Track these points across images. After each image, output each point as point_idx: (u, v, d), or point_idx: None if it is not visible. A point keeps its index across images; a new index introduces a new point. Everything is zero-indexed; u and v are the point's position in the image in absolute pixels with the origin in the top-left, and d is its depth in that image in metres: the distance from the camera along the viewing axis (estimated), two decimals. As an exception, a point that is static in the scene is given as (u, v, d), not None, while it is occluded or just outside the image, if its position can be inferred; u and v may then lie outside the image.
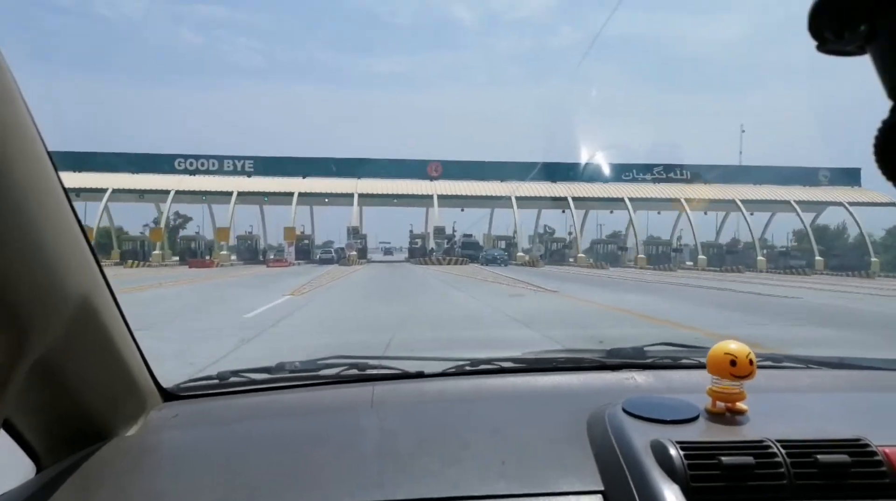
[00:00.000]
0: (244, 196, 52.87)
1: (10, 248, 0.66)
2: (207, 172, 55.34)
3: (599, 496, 0.84)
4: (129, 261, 44.33)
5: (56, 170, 0.78)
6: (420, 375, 1.37)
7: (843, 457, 0.82)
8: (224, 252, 48.83)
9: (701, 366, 1.23)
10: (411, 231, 61.93)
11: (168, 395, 1.24)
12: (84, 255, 0.86)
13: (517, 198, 53.51)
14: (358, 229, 50.30)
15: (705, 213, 56.03)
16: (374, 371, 1.39)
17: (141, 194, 51.37)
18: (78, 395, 0.95)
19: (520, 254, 51.19)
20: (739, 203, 52.62)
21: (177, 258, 51.26)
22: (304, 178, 54.89)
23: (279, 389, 1.32)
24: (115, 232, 53.68)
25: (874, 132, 0.44)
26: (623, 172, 58.30)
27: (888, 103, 0.44)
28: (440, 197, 53.55)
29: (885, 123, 0.44)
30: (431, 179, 56.70)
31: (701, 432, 0.91)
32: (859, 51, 0.45)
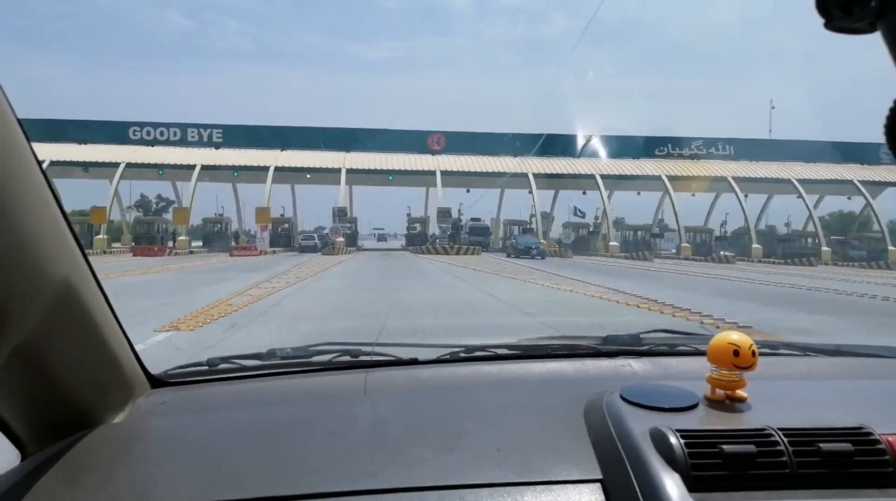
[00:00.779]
0: (210, 171, 44.33)
1: None
2: (168, 142, 46.70)
3: (598, 484, 0.82)
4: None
5: (33, 151, 0.77)
6: (414, 361, 1.34)
7: (846, 446, 0.81)
8: (182, 238, 40.26)
9: (698, 353, 1.28)
10: (409, 214, 53.50)
11: (156, 381, 1.21)
12: (64, 238, 0.85)
13: (535, 175, 45.19)
14: (346, 211, 41.86)
15: (746, 196, 47.85)
16: (367, 358, 1.36)
17: (85, 167, 42.57)
18: (63, 381, 0.93)
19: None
20: (796, 183, 44.41)
21: (129, 245, 42.52)
22: (282, 150, 46.39)
23: (270, 375, 1.29)
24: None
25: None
26: (657, 146, 50.05)
27: None
28: (444, 174, 45.20)
29: None
30: (433, 152, 48.31)
31: (700, 420, 0.90)
32: (869, 28, 0.43)
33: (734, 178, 45.44)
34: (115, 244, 41.69)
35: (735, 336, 0.95)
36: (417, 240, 48.04)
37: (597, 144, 48.57)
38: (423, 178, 48.25)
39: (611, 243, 43.32)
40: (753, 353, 0.93)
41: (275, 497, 0.82)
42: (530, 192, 51.47)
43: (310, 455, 0.92)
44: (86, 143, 44.90)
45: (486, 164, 46.63)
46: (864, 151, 46.39)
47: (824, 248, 41.69)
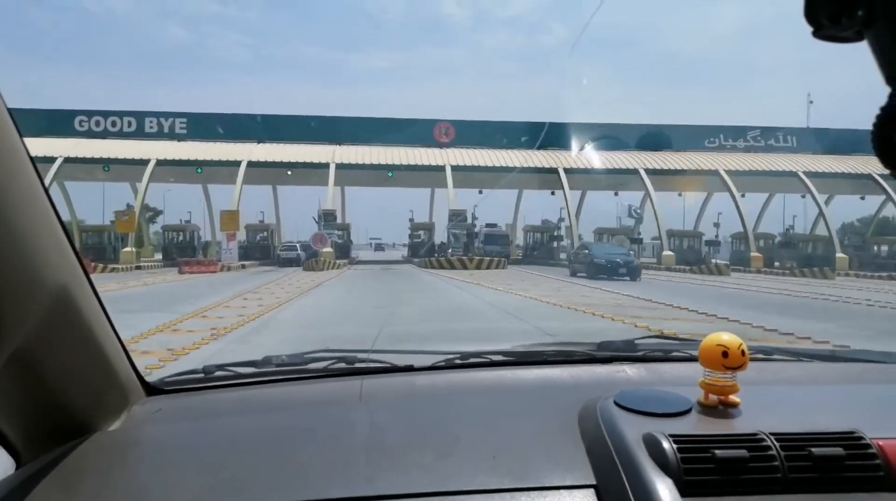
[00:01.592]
0: (169, 168, 36.22)
1: None
2: (121, 134, 38.55)
3: (591, 490, 0.83)
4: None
5: (30, 157, 0.77)
6: (409, 368, 1.34)
7: (838, 450, 0.82)
8: (128, 249, 31.90)
9: (692, 359, 1.27)
10: (412, 220, 45.28)
11: (152, 389, 1.21)
12: (61, 245, 0.85)
13: (566, 171, 37.07)
14: (334, 215, 33.62)
15: (803, 196, 39.79)
16: (363, 365, 1.37)
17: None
18: (58, 389, 0.93)
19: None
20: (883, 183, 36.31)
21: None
22: (259, 143, 38.28)
23: (265, 383, 1.30)
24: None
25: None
26: (707, 136, 42.01)
27: (886, 90, 0.42)
28: (455, 169, 37.11)
29: (883, 110, 0.43)
30: (441, 145, 40.24)
31: (693, 425, 0.91)
32: (857, 37, 0.44)
33: (805, 173, 37.36)
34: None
35: (725, 337, 0.95)
36: (422, 250, 39.85)
37: (625, 133, 40.52)
38: (428, 176, 40.12)
39: (665, 253, 35.06)
40: (743, 353, 0.93)
41: None
42: (553, 193, 43.41)
43: (307, 461, 0.92)
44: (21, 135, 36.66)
45: (504, 158, 38.46)
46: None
47: (839, 254, 33.99)
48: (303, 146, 38.56)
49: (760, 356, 1.40)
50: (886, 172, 0.44)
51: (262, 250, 40.07)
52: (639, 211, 35.82)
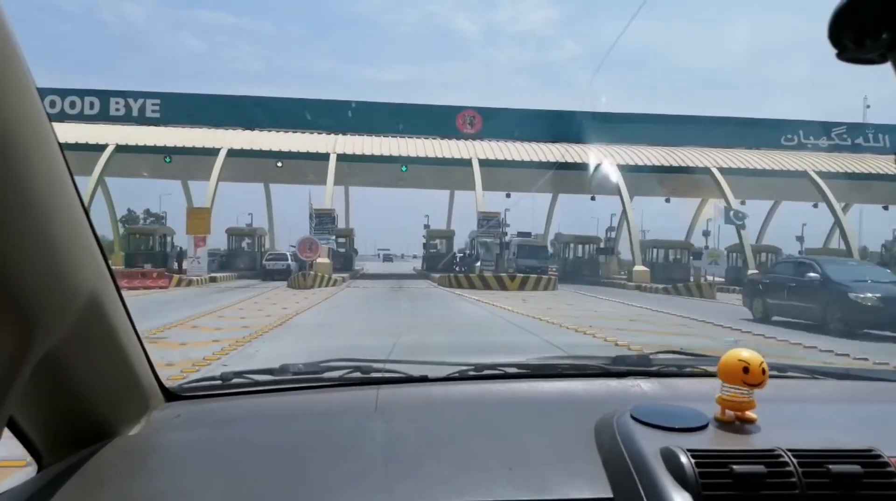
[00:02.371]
0: (130, 155, 29.37)
1: (22, 242, 0.66)
2: (82, 117, 31.79)
3: None
4: None
5: (67, 163, 0.77)
6: (424, 379, 1.35)
7: (856, 468, 0.81)
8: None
9: (706, 375, 1.30)
10: (427, 226, 38.30)
11: (171, 395, 1.22)
12: (92, 250, 0.85)
13: (625, 169, 29.99)
14: (332, 215, 26.57)
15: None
16: (378, 375, 1.37)
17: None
18: (81, 393, 0.94)
19: (639, 269, 27.51)
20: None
21: None
22: (246, 130, 31.48)
23: (282, 391, 1.31)
24: None
25: None
26: (785, 132, 34.87)
27: None
28: (483, 165, 30.14)
29: None
30: (464, 137, 33.31)
31: (710, 440, 0.91)
32: (881, 59, 0.45)
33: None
34: None
35: (745, 354, 0.94)
36: (440, 262, 32.85)
37: (690, 125, 33.45)
38: (447, 174, 33.19)
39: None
40: (763, 371, 0.93)
41: None
42: (593, 198, 36.40)
43: (324, 470, 0.92)
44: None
45: (540, 153, 31.41)
46: None
47: None
48: (298, 135, 31.70)
49: (775, 372, 1.37)
50: None
51: (246, 259, 33.20)
52: (743, 213, 28.16)
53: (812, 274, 12.38)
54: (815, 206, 33.83)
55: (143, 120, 32.49)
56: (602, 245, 34.99)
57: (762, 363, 0.94)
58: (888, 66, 0.45)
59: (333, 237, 26.26)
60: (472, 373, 1.39)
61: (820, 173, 30.54)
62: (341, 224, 40.55)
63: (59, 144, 0.76)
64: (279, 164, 29.79)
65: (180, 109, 32.55)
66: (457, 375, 1.38)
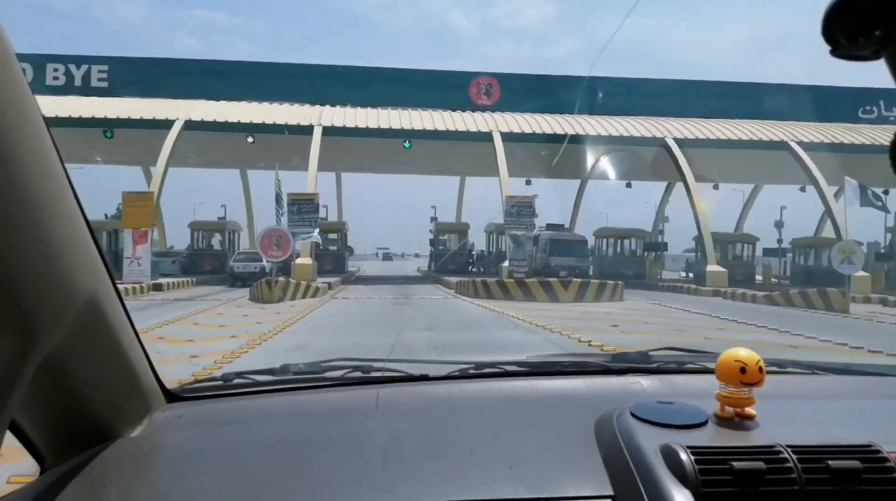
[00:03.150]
0: (63, 130, 23.25)
1: (21, 244, 0.66)
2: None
3: (609, 500, 0.84)
4: None
5: (63, 164, 0.78)
6: (425, 378, 1.36)
7: (855, 463, 0.82)
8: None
9: (706, 371, 1.30)
10: (434, 219, 32.27)
11: (172, 396, 1.23)
12: (91, 251, 0.85)
13: (684, 143, 23.97)
14: (315, 201, 20.39)
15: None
16: (379, 374, 1.38)
17: None
18: (83, 395, 0.94)
19: (715, 269, 21.48)
20: None
21: None
22: (210, 101, 25.39)
23: (284, 391, 1.32)
24: None
25: None
26: (862, 104, 28.88)
27: None
28: (506, 139, 24.12)
29: None
30: (479, 108, 27.30)
31: (710, 437, 0.91)
32: (874, 56, 0.45)
33: None
34: None
35: (742, 353, 0.95)
36: (452, 262, 26.87)
37: (752, 94, 27.50)
38: (459, 153, 27.22)
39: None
40: (760, 369, 0.93)
41: None
42: (629, 184, 30.41)
43: (326, 470, 0.92)
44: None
45: (574, 124, 25.38)
46: None
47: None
48: (275, 105, 25.65)
49: (775, 368, 1.40)
50: None
51: (214, 260, 27.11)
52: (882, 194, 21.83)
53: None
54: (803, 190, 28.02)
55: (87, 90, 26.41)
56: (652, 240, 28.91)
57: (759, 362, 0.93)
58: (881, 62, 0.45)
59: (317, 231, 20.14)
60: (472, 372, 1.39)
61: None
62: (332, 216, 34.55)
63: (55, 144, 0.75)
64: (250, 139, 23.71)
65: (132, 77, 26.44)
66: (457, 373, 1.38)
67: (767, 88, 28.80)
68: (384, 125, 24.62)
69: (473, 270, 29.44)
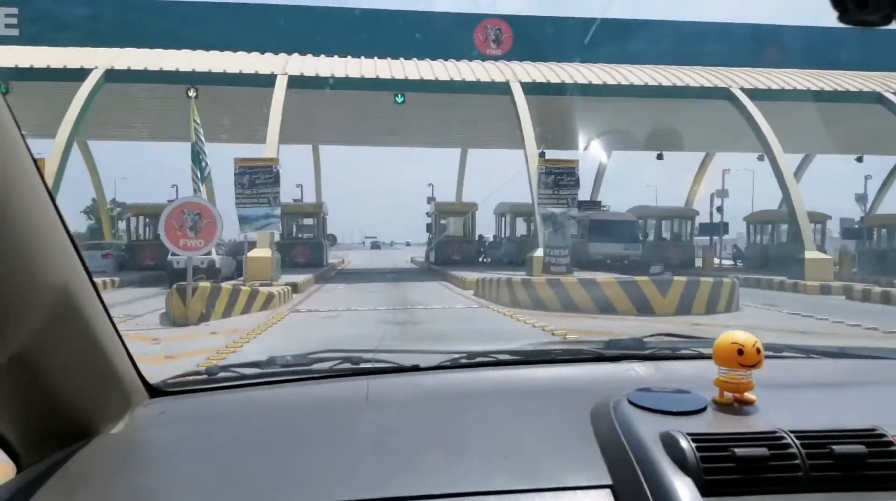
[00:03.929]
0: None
1: None
2: None
3: (608, 490, 0.82)
4: None
5: (29, 150, 0.76)
6: (415, 368, 1.33)
7: (860, 448, 0.80)
8: None
9: (701, 357, 1.29)
10: (433, 199, 26.71)
11: (154, 391, 1.20)
12: (61, 240, 0.84)
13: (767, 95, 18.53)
14: (272, 167, 14.64)
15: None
16: (368, 365, 1.35)
17: None
18: (59, 391, 0.92)
19: (817, 257, 16.06)
20: None
21: None
22: (144, 49, 19.58)
23: (270, 384, 1.28)
24: None
25: None
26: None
27: None
28: (527, 91, 18.57)
29: None
30: (491, 57, 21.71)
31: (710, 423, 0.90)
32: (884, 21, 0.44)
33: None
34: None
35: (739, 335, 0.94)
36: (457, 252, 21.45)
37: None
38: (465, 111, 21.70)
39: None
40: (758, 351, 0.92)
41: None
42: (659, 156, 24.98)
43: (315, 463, 0.90)
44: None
45: (615, 74, 19.81)
46: None
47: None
48: (227, 54, 19.92)
49: (770, 353, 1.35)
50: None
51: (157, 253, 21.42)
52: None
53: None
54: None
55: (-9, 39, 20.60)
56: (695, 222, 23.43)
57: (756, 343, 0.92)
58: (892, 28, 0.44)
59: (278, 212, 14.55)
60: (463, 361, 1.37)
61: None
62: (308, 196, 28.83)
63: (20, 128, 0.73)
64: (192, 92, 17.99)
65: (50, 21, 20.65)
66: (448, 363, 1.36)
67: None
68: (368, 75, 18.98)
69: (485, 260, 24.02)
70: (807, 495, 0.77)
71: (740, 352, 0.91)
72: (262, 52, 20.33)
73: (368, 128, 23.65)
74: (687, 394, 0.97)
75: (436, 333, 7.97)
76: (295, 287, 14.51)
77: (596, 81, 19.50)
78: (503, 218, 25.60)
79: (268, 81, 18.18)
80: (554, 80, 19.54)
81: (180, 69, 18.30)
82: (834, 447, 0.80)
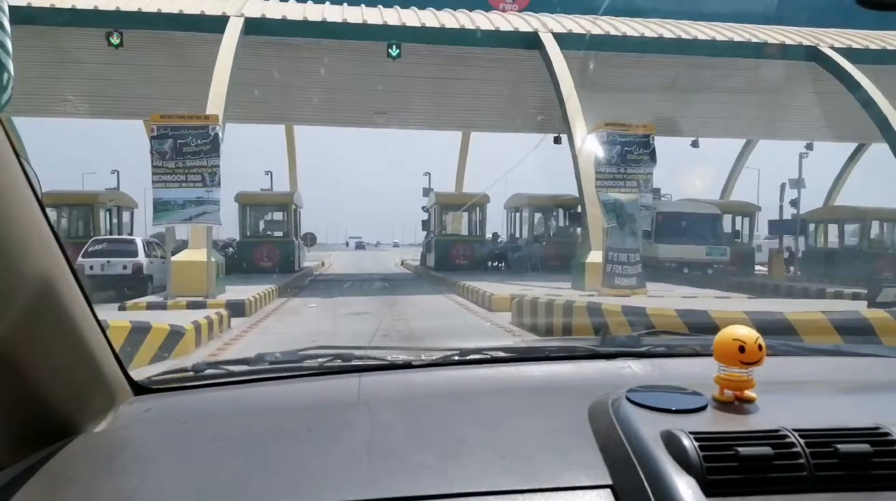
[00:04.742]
0: None
1: None
2: None
3: (608, 490, 0.81)
4: None
5: (10, 138, 0.75)
6: (408, 365, 1.32)
7: (865, 447, 0.79)
8: None
9: (697, 354, 1.29)
10: (430, 190, 22.20)
11: (139, 388, 1.18)
12: (40, 230, 0.83)
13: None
14: (208, 129, 10.03)
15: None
16: (360, 362, 1.33)
17: None
18: (40, 388, 0.90)
19: None
20: None
21: None
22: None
23: (259, 381, 1.26)
24: None
25: None
26: None
27: None
28: (559, 40, 14.14)
29: None
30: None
31: (711, 422, 0.89)
32: None
33: None
34: None
35: (740, 331, 0.92)
36: (463, 255, 17.04)
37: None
38: (475, 71, 17.27)
39: None
40: (760, 347, 0.91)
41: None
42: (694, 143, 20.65)
43: (305, 463, 0.88)
44: None
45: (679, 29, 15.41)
46: None
47: None
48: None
49: (769, 350, 1.36)
50: None
51: (77, 252, 16.65)
52: None
53: None
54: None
55: None
56: (756, 219, 19.06)
57: (758, 339, 0.91)
58: None
59: (217, 196, 9.93)
60: (456, 358, 1.35)
61: None
62: (279, 184, 23.98)
63: (1, 122, 0.72)
64: (114, 38, 13.27)
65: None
66: (441, 360, 1.34)
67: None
68: (351, 20, 14.41)
69: (499, 266, 19.46)
70: (812, 495, 0.76)
71: (742, 349, 0.89)
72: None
73: (353, 102, 19.02)
74: (686, 392, 0.96)
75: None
76: (244, 305, 9.89)
77: (650, 34, 15.09)
78: (515, 214, 21.10)
79: (218, 24, 13.56)
80: (595, 31, 15.08)
81: (99, 7, 13.63)
82: (839, 446, 0.79)
